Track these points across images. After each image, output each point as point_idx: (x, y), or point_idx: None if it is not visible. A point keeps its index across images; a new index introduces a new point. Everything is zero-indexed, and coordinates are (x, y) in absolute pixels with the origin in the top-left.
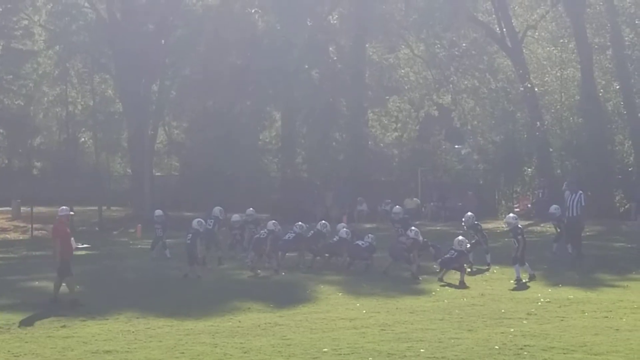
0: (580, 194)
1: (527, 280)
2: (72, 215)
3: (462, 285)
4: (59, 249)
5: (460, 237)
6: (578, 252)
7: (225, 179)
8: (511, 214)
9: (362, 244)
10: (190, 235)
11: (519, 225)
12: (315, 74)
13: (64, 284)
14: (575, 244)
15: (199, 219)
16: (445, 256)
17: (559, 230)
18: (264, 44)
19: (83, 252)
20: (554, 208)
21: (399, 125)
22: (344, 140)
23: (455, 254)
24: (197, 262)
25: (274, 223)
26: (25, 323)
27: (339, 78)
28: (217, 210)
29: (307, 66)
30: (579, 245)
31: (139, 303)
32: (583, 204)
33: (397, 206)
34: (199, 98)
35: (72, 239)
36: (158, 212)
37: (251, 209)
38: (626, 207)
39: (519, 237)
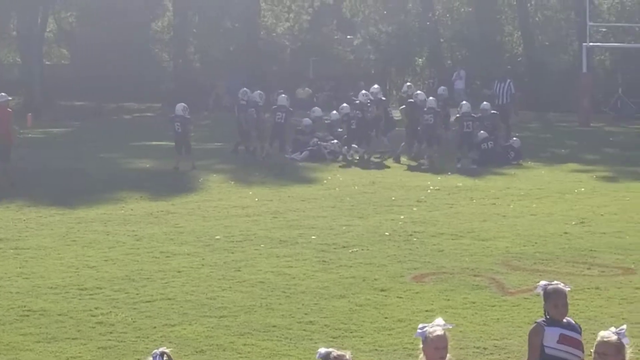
0: (509, 82)
1: None
2: (10, 100)
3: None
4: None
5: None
6: (507, 137)
7: (116, 68)
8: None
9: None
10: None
11: None
12: None
13: None
14: (505, 131)
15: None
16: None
17: None
18: None
19: None
20: (441, 89)
21: (292, 15)
22: (236, 30)
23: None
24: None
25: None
26: None
27: None
28: (178, 107)
29: None
30: (508, 132)
31: (29, 192)
32: (513, 91)
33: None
34: None
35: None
36: None
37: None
38: (515, 96)
39: None
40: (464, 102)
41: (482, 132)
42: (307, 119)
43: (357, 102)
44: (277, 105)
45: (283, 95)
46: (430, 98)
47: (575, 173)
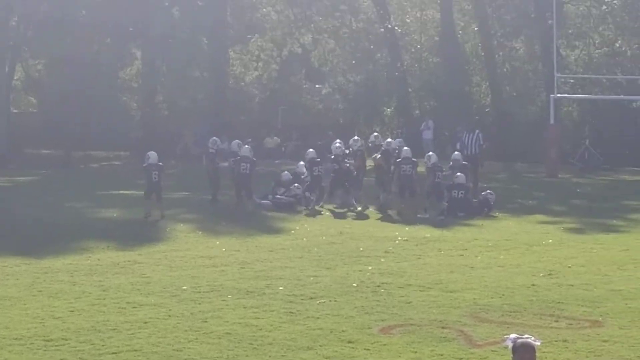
0: (478, 133)
1: None
2: None
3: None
4: None
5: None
6: (475, 188)
7: (84, 117)
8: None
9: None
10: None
11: None
12: (175, 12)
13: None
14: (473, 182)
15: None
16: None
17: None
18: None
19: None
20: (397, 141)
21: (261, 64)
22: (205, 79)
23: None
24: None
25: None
26: None
27: (200, 15)
28: (154, 156)
29: (167, 3)
30: (475, 183)
31: None
32: (481, 142)
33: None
34: (57, 37)
35: None
36: None
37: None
38: (483, 147)
39: None
40: (431, 152)
41: (459, 174)
42: (286, 172)
43: (332, 156)
44: (240, 156)
45: (247, 146)
46: (405, 148)
47: (542, 224)
